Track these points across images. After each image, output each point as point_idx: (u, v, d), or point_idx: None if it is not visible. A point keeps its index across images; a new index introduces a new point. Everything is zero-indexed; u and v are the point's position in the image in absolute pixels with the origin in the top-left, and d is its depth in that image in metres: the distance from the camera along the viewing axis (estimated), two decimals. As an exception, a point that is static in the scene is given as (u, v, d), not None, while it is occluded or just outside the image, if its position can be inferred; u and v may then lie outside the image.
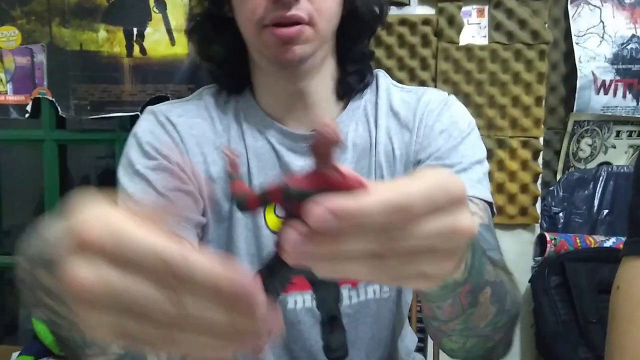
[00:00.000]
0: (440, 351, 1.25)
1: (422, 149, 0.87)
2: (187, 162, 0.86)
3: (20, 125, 2.04)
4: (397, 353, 0.97)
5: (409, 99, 0.90)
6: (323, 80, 0.88)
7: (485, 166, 0.87)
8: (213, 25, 0.89)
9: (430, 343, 1.61)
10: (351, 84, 0.89)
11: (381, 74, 0.95)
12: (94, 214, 0.32)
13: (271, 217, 0.87)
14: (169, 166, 0.84)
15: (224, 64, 0.90)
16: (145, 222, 0.33)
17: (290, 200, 0.35)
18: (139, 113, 1.92)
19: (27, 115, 1.96)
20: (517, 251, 1.96)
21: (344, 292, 0.88)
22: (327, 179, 0.33)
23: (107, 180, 2.31)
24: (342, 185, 0.33)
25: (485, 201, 0.83)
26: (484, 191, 0.84)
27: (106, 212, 0.32)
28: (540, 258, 1.95)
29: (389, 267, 0.36)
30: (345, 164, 0.87)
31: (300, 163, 0.87)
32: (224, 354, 0.34)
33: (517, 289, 0.74)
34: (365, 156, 0.88)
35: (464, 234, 0.38)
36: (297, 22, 0.76)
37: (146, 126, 0.88)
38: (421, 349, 1.21)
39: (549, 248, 1.90)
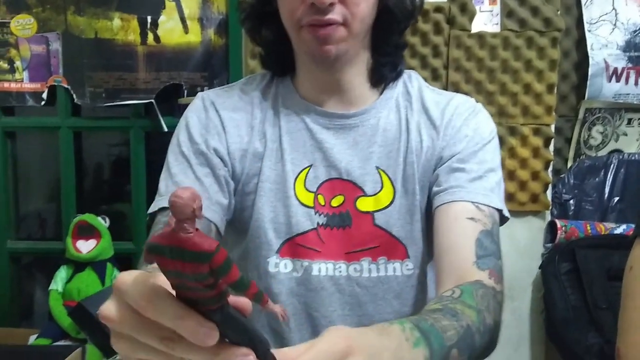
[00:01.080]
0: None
1: (447, 147, 0.92)
2: (224, 146, 0.92)
3: (36, 113, 2.08)
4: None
5: (439, 100, 0.96)
6: (357, 70, 0.93)
7: (499, 174, 0.93)
8: (261, 16, 0.95)
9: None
10: (384, 73, 0.95)
11: (414, 74, 1.01)
12: (130, 273, 0.43)
13: (300, 189, 0.92)
14: (207, 152, 0.91)
15: (271, 50, 0.97)
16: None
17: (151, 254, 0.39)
18: (153, 100, 1.94)
19: (43, 102, 1.99)
20: (527, 238, 1.98)
21: (364, 264, 0.92)
22: (179, 240, 0.37)
23: (119, 168, 2.34)
24: (192, 246, 0.37)
25: (495, 209, 0.89)
26: (495, 199, 0.90)
27: (136, 274, 0.42)
28: (550, 245, 1.96)
29: None
30: (375, 146, 0.93)
31: (333, 140, 0.93)
32: None
33: (492, 302, 0.78)
34: (395, 142, 0.93)
35: None
36: (332, 23, 0.83)
37: (194, 110, 0.96)
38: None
39: (560, 235, 1.92)
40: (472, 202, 0.88)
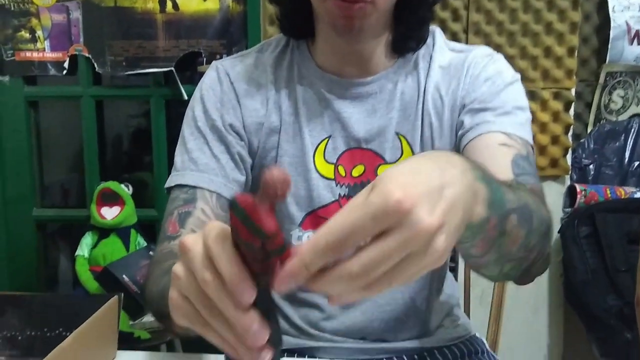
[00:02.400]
0: (471, 271, 1.28)
1: (467, 94, 0.90)
2: (239, 120, 0.92)
3: (58, 82, 2.10)
4: (440, 294, 1.01)
5: (458, 55, 0.94)
6: (379, 42, 0.91)
7: (527, 114, 0.90)
8: None
9: (461, 263, 1.60)
10: (409, 46, 0.92)
11: (437, 31, 0.98)
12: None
13: (320, 161, 0.92)
14: (222, 129, 0.90)
15: (289, 12, 0.94)
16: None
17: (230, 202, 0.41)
18: (172, 69, 1.95)
19: (64, 71, 2.00)
20: (547, 202, 1.98)
21: None
22: (251, 207, 0.40)
23: (140, 137, 2.37)
24: (257, 219, 0.40)
25: (527, 141, 0.85)
26: (525, 134, 0.86)
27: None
28: (569, 209, 1.97)
29: (376, 288, 0.41)
30: (393, 112, 0.91)
31: (351, 109, 0.92)
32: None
33: (543, 207, 0.73)
34: (412, 105, 0.92)
35: (422, 235, 0.40)
36: (359, 1, 0.80)
37: (208, 82, 0.94)
38: (452, 269, 1.23)
39: (579, 199, 1.92)
40: (502, 132, 0.84)
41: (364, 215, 0.39)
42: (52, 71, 2.01)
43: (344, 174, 0.92)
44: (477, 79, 0.90)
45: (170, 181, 0.91)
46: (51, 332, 0.74)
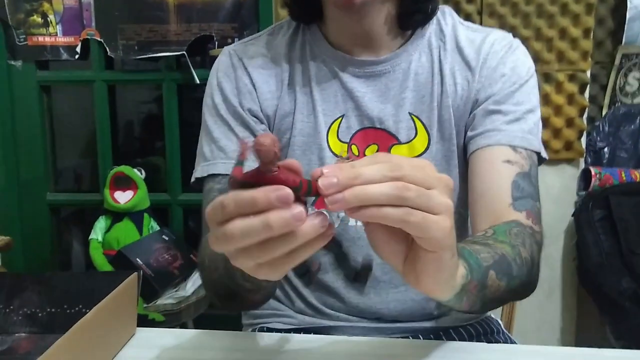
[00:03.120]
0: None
1: (482, 89, 0.90)
2: (256, 104, 0.92)
3: (71, 67, 2.10)
4: None
5: (475, 38, 0.93)
6: (386, 16, 0.90)
7: (537, 114, 0.91)
8: None
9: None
10: (415, 19, 0.91)
11: (448, 11, 0.97)
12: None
13: (333, 140, 0.91)
14: (243, 113, 0.91)
15: None
16: None
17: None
18: (185, 52, 1.95)
19: (77, 56, 2.01)
20: (560, 186, 1.97)
21: None
22: (268, 179, 0.45)
23: (153, 122, 2.37)
24: (281, 183, 0.45)
25: (533, 151, 0.88)
26: (533, 141, 0.88)
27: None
28: (584, 192, 1.95)
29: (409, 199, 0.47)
30: (407, 92, 0.91)
31: (364, 88, 0.91)
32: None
33: (531, 236, 0.79)
34: (427, 85, 0.91)
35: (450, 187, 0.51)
36: None
37: (223, 69, 0.94)
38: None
39: (594, 182, 1.91)
40: (509, 145, 0.86)
41: (423, 163, 0.50)
42: (65, 56, 2.01)
43: (357, 154, 0.91)
44: (494, 73, 0.90)
45: (202, 171, 0.91)
46: (71, 308, 0.74)
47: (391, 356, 0.67)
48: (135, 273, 0.74)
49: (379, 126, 0.91)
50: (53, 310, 0.76)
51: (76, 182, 2.42)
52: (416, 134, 0.91)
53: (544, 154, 0.91)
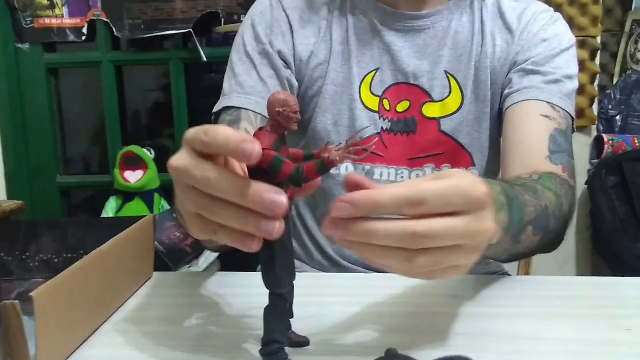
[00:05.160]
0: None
1: (522, 52, 0.89)
2: (289, 48, 0.91)
3: (78, 49, 2.10)
4: None
5: (516, 7, 0.93)
6: None
7: (576, 83, 0.90)
8: None
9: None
10: None
11: None
12: (194, 129, 0.44)
13: (366, 93, 0.91)
14: (272, 53, 0.90)
15: None
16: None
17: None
18: (191, 30, 1.94)
19: (83, 37, 2.00)
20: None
21: (427, 171, 0.91)
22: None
23: (161, 102, 2.37)
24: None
25: (569, 114, 0.87)
26: (569, 106, 0.88)
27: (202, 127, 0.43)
28: (596, 161, 1.93)
29: (419, 265, 0.42)
30: (445, 50, 0.90)
31: (402, 43, 0.90)
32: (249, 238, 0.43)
33: (568, 192, 0.76)
34: (467, 46, 0.90)
35: (484, 235, 0.44)
36: None
37: (260, 8, 0.94)
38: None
39: (607, 149, 1.89)
40: (548, 102, 0.85)
41: (451, 189, 0.42)
42: (71, 37, 2.01)
43: (388, 108, 0.91)
44: (534, 38, 0.89)
45: (218, 105, 0.90)
46: (88, 254, 0.73)
47: (410, 288, 0.66)
48: (152, 215, 0.73)
49: (413, 82, 0.90)
50: (69, 256, 0.76)
51: (86, 165, 2.42)
52: (450, 92, 0.90)
53: (574, 125, 0.90)
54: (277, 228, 0.41)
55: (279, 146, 0.43)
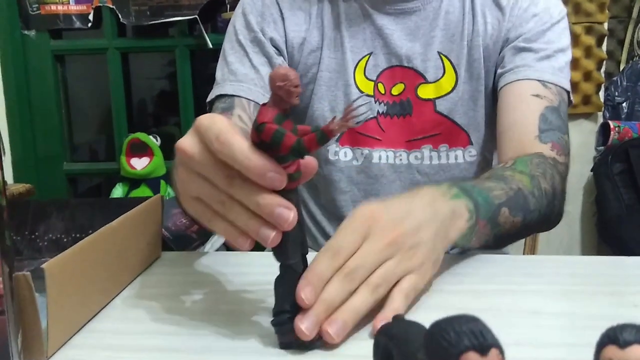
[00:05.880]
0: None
1: (513, 28, 0.89)
2: (281, 35, 0.92)
3: (84, 36, 2.11)
4: None
5: None
6: None
7: (568, 55, 0.90)
8: None
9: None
10: None
11: None
12: (209, 116, 0.45)
13: (360, 77, 0.91)
14: (264, 40, 0.91)
15: None
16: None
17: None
18: (197, 16, 1.94)
19: (89, 24, 2.01)
20: (579, 142, 1.95)
21: (425, 152, 0.92)
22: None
23: (166, 90, 2.37)
24: (258, 113, 0.43)
25: (563, 88, 0.87)
26: (563, 80, 0.88)
27: (215, 117, 0.44)
28: (602, 148, 1.93)
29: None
30: (436, 30, 0.90)
31: (393, 26, 0.91)
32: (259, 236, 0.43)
33: (553, 171, 0.78)
34: (458, 25, 0.90)
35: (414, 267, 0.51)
36: None
37: None
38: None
39: (613, 136, 1.88)
40: (539, 80, 0.86)
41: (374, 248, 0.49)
42: (77, 24, 2.01)
43: (383, 92, 0.91)
44: (525, 13, 0.89)
45: (212, 94, 0.92)
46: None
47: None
48: (160, 195, 0.74)
49: (406, 64, 0.91)
50: (78, 235, 0.76)
51: (92, 152, 2.43)
52: (444, 73, 0.90)
53: (571, 98, 0.91)
54: (273, 238, 0.43)
55: (282, 120, 0.43)
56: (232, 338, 0.50)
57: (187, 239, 1.88)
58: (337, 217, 0.95)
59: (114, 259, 0.61)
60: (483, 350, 0.25)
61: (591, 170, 1.93)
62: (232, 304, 0.58)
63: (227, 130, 0.42)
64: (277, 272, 0.47)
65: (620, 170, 1.83)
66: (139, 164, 1.97)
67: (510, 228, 0.69)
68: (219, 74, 0.93)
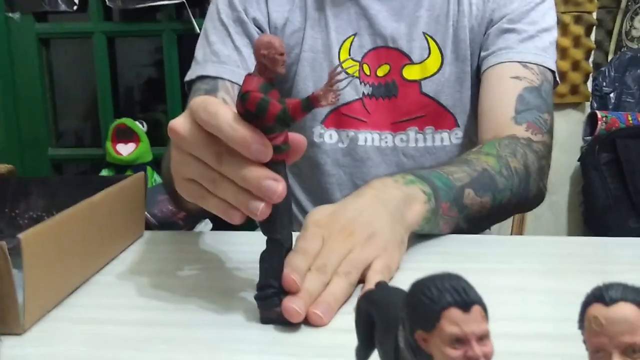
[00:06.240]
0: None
1: (498, 9, 0.89)
2: (263, 15, 0.90)
3: (69, 20, 2.08)
4: None
5: None
6: None
7: (553, 34, 0.89)
8: None
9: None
10: None
11: None
12: (201, 98, 0.45)
13: (345, 58, 0.90)
14: (246, 21, 0.89)
15: None
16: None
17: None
18: (184, 0, 1.92)
19: (75, 7, 1.98)
20: (566, 132, 1.96)
21: (411, 134, 0.91)
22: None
23: (152, 78, 2.35)
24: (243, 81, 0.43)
25: (546, 68, 0.87)
26: (547, 60, 0.87)
27: (207, 98, 0.45)
28: (590, 138, 1.94)
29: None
30: (422, 11, 0.89)
31: (378, 6, 0.89)
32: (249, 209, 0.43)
33: (517, 153, 0.77)
34: (444, 6, 0.90)
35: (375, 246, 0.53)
36: None
37: None
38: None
39: (600, 126, 1.89)
40: (520, 61, 0.85)
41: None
42: (63, 6, 1.98)
43: (368, 73, 0.90)
44: None
45: (192, 73, 0.90)
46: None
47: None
48: (143, 172, 0.72)
49: (391, 45, 0.90)
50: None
51: (78, 137, 2.40)
52: (429, 54, 0.89)
53: (557, 78, 0.90)
54: (262, 210, 0.43)
55: (267, 89, 0.42)
56: (215, 312, 0.49)
57: (174, 225, 1.87)
58: (323, 202, 0.94)
59: (94, 234, 0.60)
60: (465, 306, 0.24)
61: (578, 160, 1.94)
62: (216, 281, 0.57)
63: (214, 102, 0.43)
64: (263, 251, 0.47)
65: (607, 161, 1.84)
66: (125, 149, 1.95)
67: (480, 209, 0.69)
68: (199, 54, 0.91)
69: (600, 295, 0.25)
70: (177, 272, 0.60)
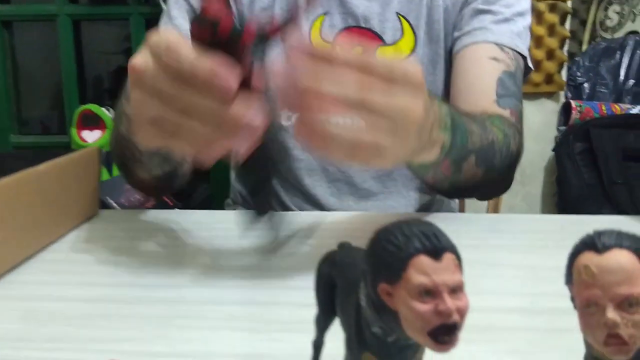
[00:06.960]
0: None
1: None
2: None
3: (33, 1, 2.00)
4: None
5: None
6: None
7: (527, 20, 0.87)
8: None
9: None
10: None
11: None
12: (160, 32, 0.43)
13: (316, 38, 0.86)
14: None
15: None
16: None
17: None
18: (153, -17, 1.86)
19: (39, -12, 1.91)
20: (540, 121, 1.94)
21: None
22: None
23: (120, 63, 2.28)
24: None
25: (519, 54, 0.84)
26: (520, 45, 0.84)
27: (164, 30, 0.44)
28: (564, 128, 1.93)
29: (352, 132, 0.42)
30: None
31: None
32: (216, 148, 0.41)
33: (515, 136, 0.75)
34: None
35: (413, 117, 0.44)
36: None
37: None
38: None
39: (574, 115, 1.88)
40: (496, 43, 0.82)
41: (397, 62, 0.44)
42: (26, -13, 1.91)
43: None
44: None
45: None
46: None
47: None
48: (97, 147, 0.68)
49: (363, 25, 0.86)
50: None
51: (43, 124, 2.32)
52: (402, 34, 0.86)
53: (530, 63, 0.87)
54: (246, 144, 0.42)
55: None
56: (168, 288, 0.45)
57: (141, 214, 1.81)
58: (295, 189, 0.91)
59: (40, 206, 0.55)
60: (436, 253, 0.21)
61: (552, 150, 1.93)
62: (168, 258, 0.54)
63: (175, 38, 0.41)
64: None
65: (581, 150, 1.83)
66: (91, 136, 1.89)
67: (469, 178, 0.67)
68: (161, 29, 0.87)
69: (592, 242, 0.21)
70: (129, 250, 0.55)
